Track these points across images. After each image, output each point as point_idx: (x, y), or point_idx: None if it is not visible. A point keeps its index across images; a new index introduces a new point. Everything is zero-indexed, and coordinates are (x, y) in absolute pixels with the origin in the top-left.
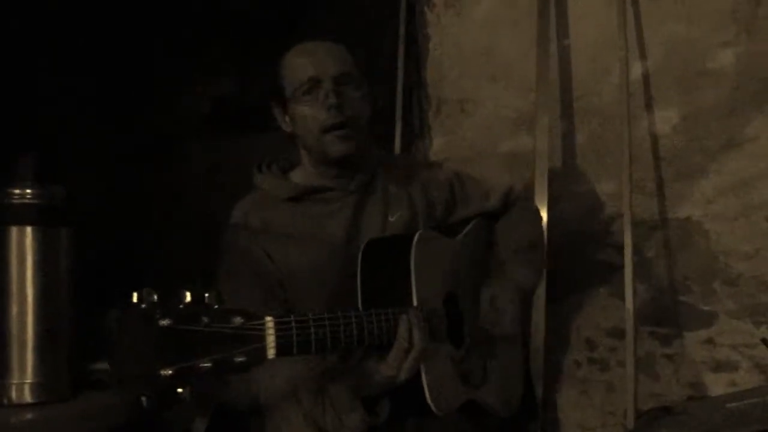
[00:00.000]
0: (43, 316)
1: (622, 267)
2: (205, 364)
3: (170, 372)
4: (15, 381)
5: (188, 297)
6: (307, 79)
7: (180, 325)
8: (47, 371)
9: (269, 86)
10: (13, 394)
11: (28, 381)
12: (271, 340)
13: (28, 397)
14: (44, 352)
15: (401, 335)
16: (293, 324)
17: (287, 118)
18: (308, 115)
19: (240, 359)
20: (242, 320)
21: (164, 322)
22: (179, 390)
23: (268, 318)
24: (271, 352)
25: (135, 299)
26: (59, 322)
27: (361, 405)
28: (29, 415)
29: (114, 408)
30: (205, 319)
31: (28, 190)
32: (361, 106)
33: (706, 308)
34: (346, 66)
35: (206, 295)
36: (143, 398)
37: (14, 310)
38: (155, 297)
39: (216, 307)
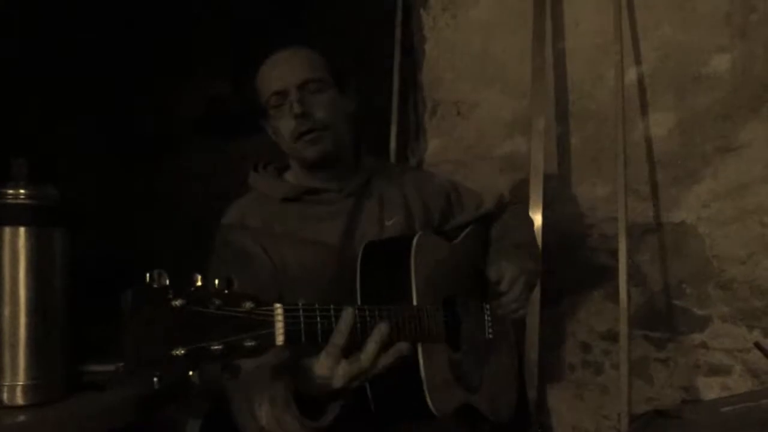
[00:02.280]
0: (36, 318)
1: (616, 270)
2: (217, 347)
3: (182, 352)
4: (7, 383)
5: (199, 280)
6: (273, 93)
7: (192, 307)
8: (40, 373)
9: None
10: (5, 396)
11: (21, 383)
12: (280, 326)
13: (20, 399)
14: (37, 353)
15: (338, 329)
16: (301, 312)
17: (270, 129)
18: (280, 126)
19: (250, 344)
20: (252, 305)
21: (177, 303)
22: (190, 372)
23: (277, 305)
24: (280, 339)
25: (147, 280)
26: (52, 323)
27: (294, 405)
28: (21, 417)
29: (108, 410)
30: (217, 302)
31: (21, 191)
32: (330, 108)
33: (699, 312)
34: (310, 72)
35: (216, 279)
36: (155, 378)
37: (7, 311)
38: (167, 279)
39: (226, 291)
